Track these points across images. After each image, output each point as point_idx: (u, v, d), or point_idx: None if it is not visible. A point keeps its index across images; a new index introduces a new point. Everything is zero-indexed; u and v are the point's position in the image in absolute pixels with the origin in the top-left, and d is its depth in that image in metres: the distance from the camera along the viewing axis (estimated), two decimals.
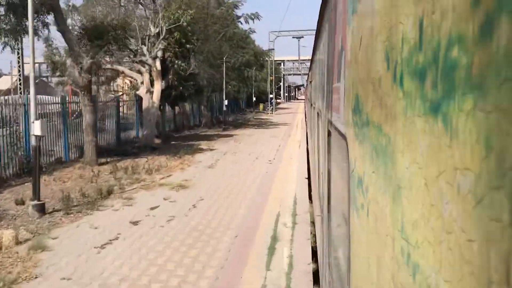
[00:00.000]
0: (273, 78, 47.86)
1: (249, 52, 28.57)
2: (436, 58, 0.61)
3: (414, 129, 0.70)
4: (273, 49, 48.97)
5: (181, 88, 19.63)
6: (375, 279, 1.00)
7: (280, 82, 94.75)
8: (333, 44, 2.28)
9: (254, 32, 30.23)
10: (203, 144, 19.90)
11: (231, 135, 24.28)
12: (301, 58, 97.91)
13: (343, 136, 1.65)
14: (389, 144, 0.87)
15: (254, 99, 47.57)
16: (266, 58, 45.28)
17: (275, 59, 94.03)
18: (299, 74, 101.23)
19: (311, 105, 8.39)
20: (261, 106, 56.69)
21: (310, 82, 9.85)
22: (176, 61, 18.81)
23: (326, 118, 2.88)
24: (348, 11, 1.54)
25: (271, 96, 48.63)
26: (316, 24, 4.47)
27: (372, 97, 1.06)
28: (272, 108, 48.71)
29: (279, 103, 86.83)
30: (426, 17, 0.65)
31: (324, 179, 3.15)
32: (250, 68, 29.24)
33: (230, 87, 28.38)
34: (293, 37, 54.80)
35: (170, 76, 19.08)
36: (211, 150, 18.37)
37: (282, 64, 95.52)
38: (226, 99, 27.43)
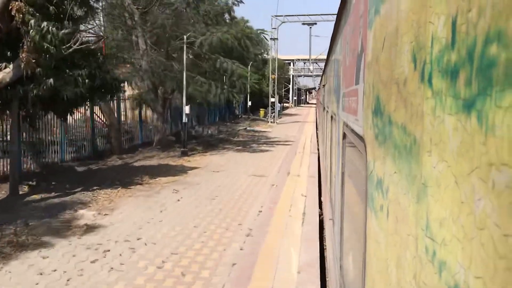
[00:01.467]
0: (275, 77, 37.19)
1: (229, 32, 17.99)
2: (471, 56, 0.61)
3: (444, 127, 0.71)
4: (277, 38, 38.35)
5: (50, 82, 9.14)
6: (394, 278, 1.00)
7: (289, 84, 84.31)
8: (352, 46, 2.25)
9: (241, 2, 19.08)
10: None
11: (180, 171, 13.79)
12: (313, 57, 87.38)
13: (361, 138, 1.67)
14: (414, 144, 0.87)
15: (249, 103, 36.97)
16: (263, 51, 34.52)
17: (283, 58, 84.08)
18: (311, 76, 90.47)
19: (324, 108, 8.63)
20: (262, 112, 46.14)
21: (323, 85, 9.74)
22: (37, 24, 8.49)
23: (341, 121, 2.90)
24: (370, 13, 1.54)
25: (272, 100, 38.03)
26: (334, 24, 4.30)
27: (396, 97, 1.05)
28: (274, 116, 38.05)
29: (286, 108, 76.34)
30: (460, 15, 0.65)
31: (337, 182, 3.13)
32: (230, 55, 18.43)
33: (197, 86, 17.78)
34: (303, 23, 41.54)
35: (22, 55, 8.74)
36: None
37: (291, 64, 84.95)
38: (187, 105, 16.77)
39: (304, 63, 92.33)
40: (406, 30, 0.97)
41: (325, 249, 6.56)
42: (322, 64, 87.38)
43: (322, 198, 8.46)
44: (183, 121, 16.86)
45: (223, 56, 17.82)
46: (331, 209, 4.19)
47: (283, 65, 55.44)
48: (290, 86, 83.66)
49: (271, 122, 37.37)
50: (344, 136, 2.59)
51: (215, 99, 17.79)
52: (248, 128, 30.21)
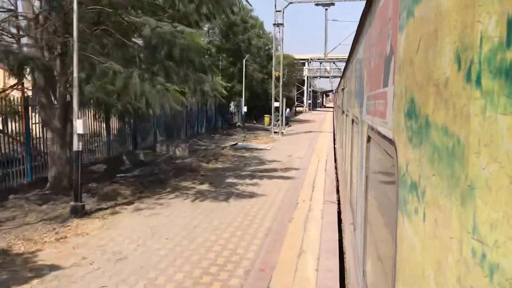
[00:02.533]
0: (280, 73, 28.71)
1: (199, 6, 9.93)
2: None
3: (497, 128, 0.70)
4: (282, 24, 29.96)
5: None
6: (432, 282, 0.99)
7: (303, 86, 75.79)
8: (378, 49, 2.25)
9: None
10: None
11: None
12: (331, 55, 78.67)
13: (391, 141, 1.66)
14: (458, 146, 0.87)
15: (244, 109, 28.57)
16: (269, 44, 26.31)
17: (297, 57, 75.86)
18: (327, 77, 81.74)
19: (343, 112, 8.56)
20: (266, 119, 37.76)
21: (342, 89, 9.31)
22: None
23: (365, 124, 2.90)
24: (401, 16, 1.54)
25: (276, 104, 29.61)
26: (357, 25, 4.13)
27: (435, 99, 1.05)
28: (279, 125, 29.71)
29: (299, 113, 67.87)
30: None
31: (360, 186, 3.12)
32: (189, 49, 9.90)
33: (106, 77, 9.49)
34: (316, 4, 32.19)
35: None
36: None
37: (306, 63, 76.46)
38: (77, 118, 8.52)
39: (320, 63, 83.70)
40: (448, 31, 0.97)
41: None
42: (340, 64, 79.14)
43: (341, 207, 8.51)
44: (74, 148, 8.66)
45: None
46: (352, 214, 4.18)
47: (294, 62, 46.95)
48: (305, 88, 75.09)
49: (275, 132, 28.99)
50: (369, 139, 2.59)
51: (153, 101, 9.40)
52: (239, 144, 21.88)
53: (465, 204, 0.80)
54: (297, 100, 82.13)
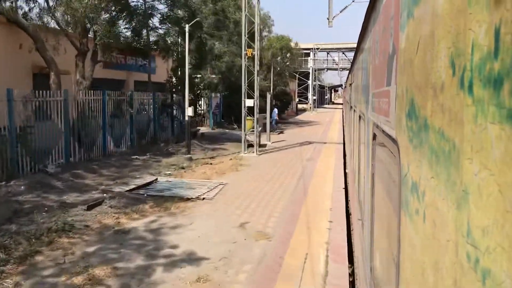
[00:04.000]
0: (256, 53, 17.38)
1: None
2: None
3: (486, 136, 0.71)
4: None
5: None
6: (431, 282, 1.01)
7: (308, 80, 64.58)
8: (382, 47, 2.24)
9: None
10: None
11: None
12: (338, 45, 67.37)
13: (393, 140, 1.67)
14: (454, 150, 0.88)
15: (188, 111, 17.08)
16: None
17: (301, 46, 65.12)
18: (335, 69, 70.41)
19: (351, 107, 8.58)
20: (248, 122, 26.62)
21: (350, 84, 9.26)
22: None
23: (370, 121, 2.92)
24: (402, 15, 1.53)
25: (249, 103, 18.13)
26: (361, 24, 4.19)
27: (433, 102, 1.05)
28: (257, 134, 18.55)
29: (301, 112, 56.88)
30: (504, 25, 0.65)
31: (367, 183, 3.17)
32: None
33: None
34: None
35: None
36: None
37: (311, 54, 65.19)
38: None
39: (328, 53, 72.47)
40: (443, 35, 0.97)
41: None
42: (350, 55, 67.77)
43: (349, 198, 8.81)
44: None
45: None
46: (360, 210, 4.25)
47: (291, 47, 35.67)
48: (309, 81, 63.83)
49: (250, 146, 17.99)
50: (374, 137, 2.61)
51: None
52: (153, 187, 10.97)
53: (460, 208, 0.82)
54: (300, 96, 71.19)
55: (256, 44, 16.96)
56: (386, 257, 2.04)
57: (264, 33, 36.31)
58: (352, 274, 5.87)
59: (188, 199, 9.74)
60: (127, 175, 12.33)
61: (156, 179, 11.58)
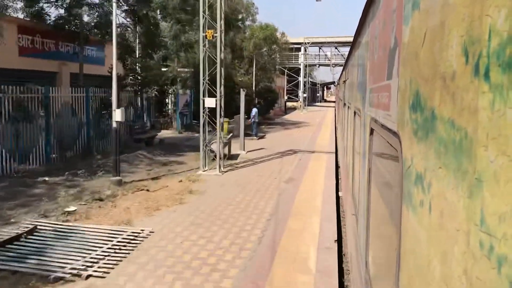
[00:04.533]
0: (219, 35, 13.07)
1: None
2: None
3: (505, 121, 0.70)
4: None
5: None
6: (438, 273, 1.01)
7: (299, 76, 60.29)
8: (382, 42, 2.25)
9: None
10: None
11: None
12: (332, 39, 63.16)
13: (395, 134, 1.67)
14: (465, 139, 0.87)
15: (116, 115, 12.88)
16: None
17: (292, 40, 60.86)
18: (327, 65, 66.21)
19: (345, 104, 8.70)
20: (226, 125, 22.23)
21: (344, 81, 9.43)
22: None
23: (367, 116, 2.91)
24: (406, 8, 1.54)
25: (211, 103, 13.74)
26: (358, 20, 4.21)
27: (442, 92, 1.05)
28: (221, 142, 14.17)
29: (291, 110, 52.63)
30: None
31: (363, 177, 3.13)
32: None
33: None
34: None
35: None
36: None
37: (302, 49, 60.94)
38: None
39: (320, 48, 68.24)
40: (455, 24, 0.97)
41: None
42: (342, 50, 63.49)
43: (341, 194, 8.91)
44: None
45: None
46: (354, 205, 4.23)
47: (276, 38, 31.18)
48: (300, 78, 59.55)
49: (213, 160, 13.50)
50: (372, 131, 2.61)
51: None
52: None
53: (473, 197, 0.81)
54: (290, 94, 66.95)
55: (219, 24, 12.58)
56: (385, 250, 2.06)
57: (248, 22, 31.97)
58: None
59: (55, 281, 5.39)
60: (3, 214, 7.95)
61: (35, 227, 7.18)
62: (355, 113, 4.71)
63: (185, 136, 21.14)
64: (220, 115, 13.09)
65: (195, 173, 12.55)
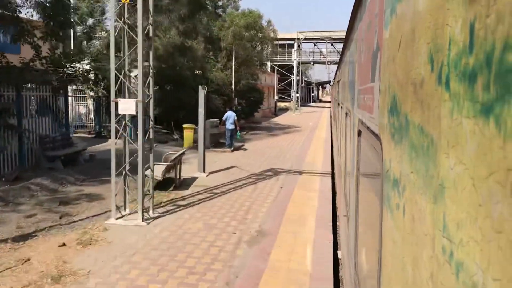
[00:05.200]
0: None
1: None
2: (489, 61, 0.62)
3: (461, 130, 0.72)
4: None
5: None
6: (410, 277, 1.01)
7: (291, 74, 55.48)
8: (367, 44, 2.28)
9: None
10: None
11: None
12: (327, 33, 58.31)
13: (377, 136, 1.69)
14: (432, 145, 0.89)
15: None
16: None
17: (283, 35, 56.18)
18: (323, 63, 61.43)
19: (338, 104, 8.82)
20: (187, 134, 17.35)
21: (338, 81, 9.53)
22: None
23: (356, 118, 2.93)
24: (386, 12, 1.56)
25: (124, 106, 8.90)
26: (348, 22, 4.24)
27: (412, 98, 1.07)
28: (151, 174, 9.33)
29: (282, 111, 47.87)
30: (478, 20, 0.66)
31: (352, 179, 3.16)
32: None
33: None
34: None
35: None
36: None
37: (295, 45, 56.13)
38: None
39: (314, 45, 63.44)
40: (423, 31, 0.98)
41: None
42: (339, 46, 58.63)
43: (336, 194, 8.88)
44: None
45: None
46: (346, 206, 4.24)
47: (261, 27, 26.14)
48: (293, 76, 54.76)
49: (127, 211, 8.57)
50: (360, 133, 2.63)
51: None
52: None
53: (437, 203, 0.82)
54: (282, 93, 62.04)
55: None
56: (369, 252, 2.09)
57: (229, 10, 27.13)
58: None
59: None
60: None
61: None
62: (346, 114, 4.70)
63: (135, 149, 16.25)
64: (145, 123, 8.28)
65: (103, 222, 7.66)
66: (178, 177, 10.74)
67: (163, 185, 10.12)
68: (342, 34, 58.20)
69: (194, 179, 11.54)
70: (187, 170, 12.24)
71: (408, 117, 1.11)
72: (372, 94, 1.90)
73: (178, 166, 10.79)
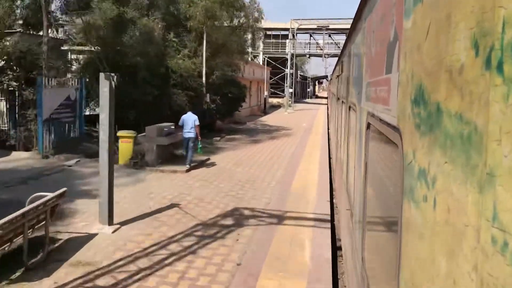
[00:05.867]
0: None
1: None
2: None
3: None
4: None
5: None
6: (444, 269, 0.99)
7: (285, 68, 50.12)
8: (380, 36, 2.24)
9: None
10: None
11: None
12: (325, 21, 52.93)
13: (395, 128, 1.66)
14: (475, 133, 0.86)
15: None
16: None
17: (274, 26, 51.26)
18: (320, 55, 56.14)
19: (338, 98, 8.78)
20: (124, 147, 12.05)
21: (338, 76, 9.29)
22: None
23: (364, 111, 2.90)
24: (407, 1, 1.52)
25: None
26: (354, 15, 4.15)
27: (448, 86, 1.04)
28: None
29: (274, 108, 42.75)
30: None
31: (359, 172, 3.11)
32: None
33: None
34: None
35: None
36: None
37: (289, 35, 50.67)
38: None
39: (310, 36, 58.16)
40: (464, 16, 0.95)
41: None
42: (337, 38, 53.71)
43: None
44: None
45: None
46: (348, 200, 4.21)
47: (242, 4, 20.90)
48: (287, 70, 49.60)
49: None
50: (368, 126, 2.60)
51: None
52: None
53: (484, 192, 0.79)
54: (276, 88, 56.75)
55: None
56: (383, 246, 2.02)
57: None
58: None
59: None
60: None
61: None
62: (350, 107, 4.71)
63: (45, 166, 11.08)
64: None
65: None
66: (47, 245, 5.63)
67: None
68: (342, 24, 53.03)
69: (87, 239, 6.41)
70: (91, 215, 7.16)
71: (441, 106, 1.08)
72: (388, 85, 1.89)
73: (47, 220, 5.67)
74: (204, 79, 17.94)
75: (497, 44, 0.77)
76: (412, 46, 1.42)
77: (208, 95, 17.89)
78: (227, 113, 20.59)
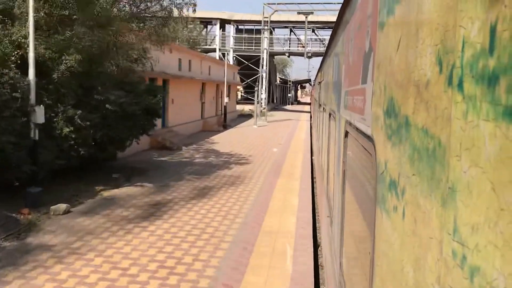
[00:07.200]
0: None
1: None
2: None
3: (478, 133, 0.70)
4: None
5: None
6: (411, 279, 0.99)
7: (263, 69, 40.05)
8: (357, 45, 2.26)
9: None
10: None
11: None
12: (307, 7, 43.29)
13: (369, 138, 1.67)
14: (439, 147, 0.87)
15: None
16: None
17: (248, 18, 41.94)
18: (301, 54, 46.29)
19: (320, 105, 8.78)
20: None
21: (319, 82, 9.41)
22: None
23: (342, 119, 2.90)
24: (381, 13, 1.54)
25: None
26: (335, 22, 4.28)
27: (416, 99, 1.04)
28: None
29: (240, 116, 32.84)
30: (501, 22, 0.65)
31: (338, 180, 3.11)
32: None
33: None
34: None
35: None
36: None
37: (262, 23, 40.35)
38: None
39: (291, 31, 48.42)
40: (429, 32, 0.96)
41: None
42: (323, 33, 44.05)
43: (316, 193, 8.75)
44: None
45: None
46: (329, 207, 4.15)
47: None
48: (260, 69, 39.74)
49: None
50: (346, 134, 2.59)
51: None
52: None
53: (446, 206, 0.80)
54: (249, 93, 46.81)
55: None
56: (359, 252, 2.06)
57: None
58: None
59: None
60: None
61: None
62: (330, 115, 4.66)
63: None
64: None
65: None
66: None
67: None
68: (328, 16, 43.65)
69: None
70: None
71: (409, 119, 1.08)
72: (363, 95, 1.88)
73: None
74: (32, 72, 7.84)
75: (458, 62, 0.78)
76: (385, 58, 1.43)
77: (40, 107, 7.82)
78: (108, 146, 10.05)
